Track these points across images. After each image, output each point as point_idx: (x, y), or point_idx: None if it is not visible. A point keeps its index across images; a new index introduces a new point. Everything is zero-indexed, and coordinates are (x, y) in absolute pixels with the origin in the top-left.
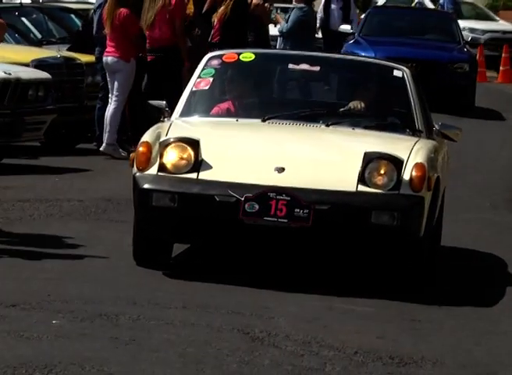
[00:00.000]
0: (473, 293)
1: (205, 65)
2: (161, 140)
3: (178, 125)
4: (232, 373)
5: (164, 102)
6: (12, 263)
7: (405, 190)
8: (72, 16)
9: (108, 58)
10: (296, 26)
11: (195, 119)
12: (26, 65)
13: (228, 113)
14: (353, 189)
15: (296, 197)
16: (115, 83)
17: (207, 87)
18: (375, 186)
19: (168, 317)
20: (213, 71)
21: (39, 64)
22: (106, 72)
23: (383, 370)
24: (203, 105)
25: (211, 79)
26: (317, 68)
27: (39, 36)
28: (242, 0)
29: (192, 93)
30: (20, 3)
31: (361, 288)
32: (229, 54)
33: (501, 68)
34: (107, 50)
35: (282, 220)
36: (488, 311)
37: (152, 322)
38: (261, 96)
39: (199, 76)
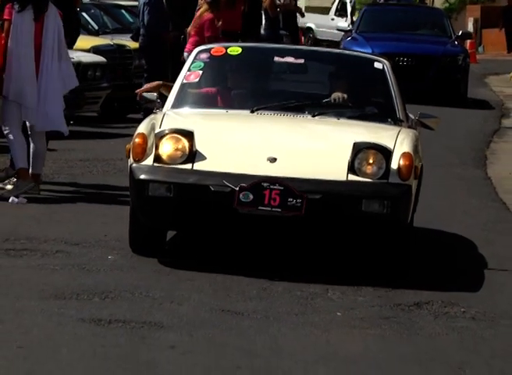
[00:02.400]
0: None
1: (195, 58)
2: (156, 131)
3: (171, 116)
4: (253, 297)
5: (155, 94)
6: (76, 210)
7: (394, 179)
8: (123, 11)
9: None
10: None
11: (186, 110)
12: (87, 50)
13: (217, 105)
14: (344, 178)
15: (290, 187)
16: None
17: (196, 80)
18: (365, 175)
19: (201, 253)
20: (202, 64)
21: (96, 50)
22: None
23: (374, 294)
24: (193, 96)
25: (201, 72)
26: (301, 60)
27: (96, 27)
28: None
29: (182, 85)
30: (81, 1)
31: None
32: (218, 48)
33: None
34: None
35: (276, 210)
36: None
37: (189, 257)
38: (248, 88)
39: (189, 70)
